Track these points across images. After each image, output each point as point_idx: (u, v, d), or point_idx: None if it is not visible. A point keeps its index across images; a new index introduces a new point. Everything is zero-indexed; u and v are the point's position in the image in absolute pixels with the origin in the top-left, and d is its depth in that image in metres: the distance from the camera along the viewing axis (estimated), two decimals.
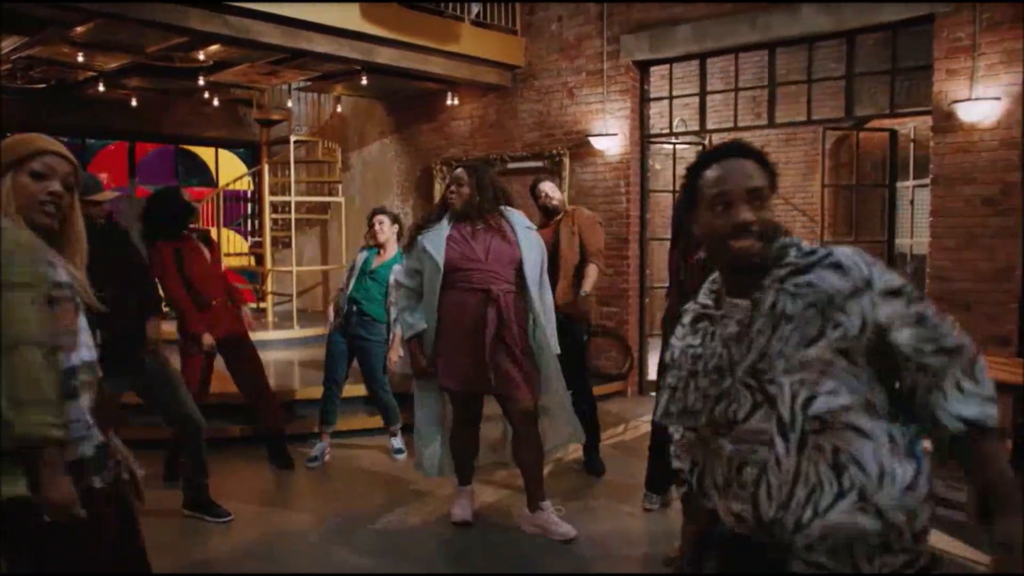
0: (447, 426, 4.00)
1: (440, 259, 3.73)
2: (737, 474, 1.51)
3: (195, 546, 3.78)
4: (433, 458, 4.01)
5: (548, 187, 4.95)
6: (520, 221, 3.90)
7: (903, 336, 1.43)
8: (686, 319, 1.67)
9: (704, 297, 1.64)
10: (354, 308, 5.01)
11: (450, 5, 7.43)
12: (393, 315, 4.64)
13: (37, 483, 1.68)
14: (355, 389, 5.58)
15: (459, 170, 3.89)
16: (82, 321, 1.90)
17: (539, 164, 7.70)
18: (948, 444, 1.43)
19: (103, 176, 11.11)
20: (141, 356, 3.89)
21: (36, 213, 1.83)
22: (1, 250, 1.69)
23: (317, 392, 5.26)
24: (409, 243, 3.94)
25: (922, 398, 1.44)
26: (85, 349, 1.89)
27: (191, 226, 4.68)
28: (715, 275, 1.64)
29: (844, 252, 1.49)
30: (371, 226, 5.11)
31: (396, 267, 4.08)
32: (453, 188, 3.82)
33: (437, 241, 3.77)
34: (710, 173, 1.53)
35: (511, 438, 3.97)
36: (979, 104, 5.34)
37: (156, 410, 4.06)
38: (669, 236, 3.93)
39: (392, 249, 5.09)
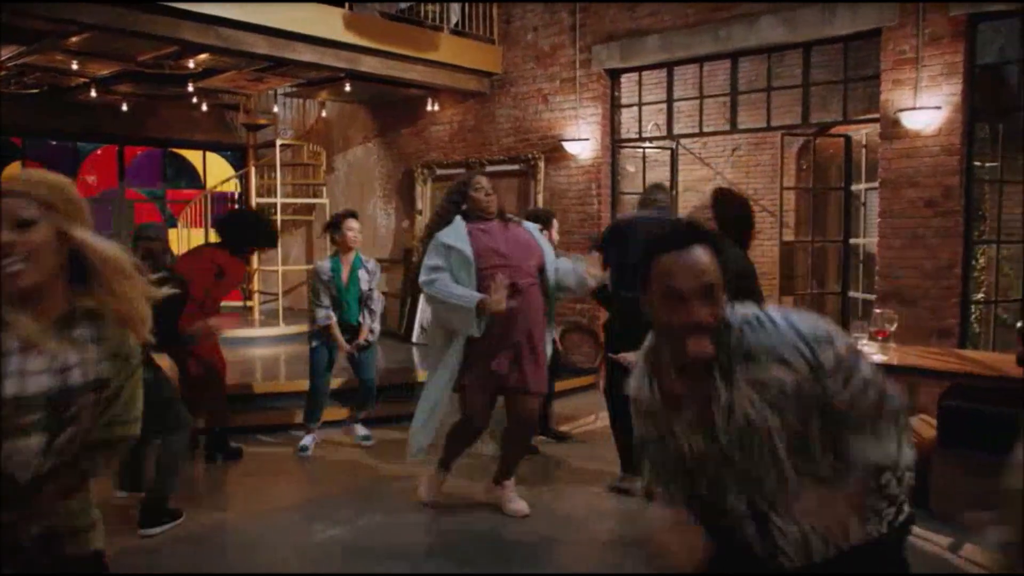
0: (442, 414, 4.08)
1: (468, 250, 3.74)
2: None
3: (189, 524, 4.02)
4: (422, 443, 4.08)
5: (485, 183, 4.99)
6: (529, 224, 4.15)
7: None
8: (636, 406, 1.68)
9: (642, 381, 1.64)
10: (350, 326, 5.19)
11: (430, 15, 7.75)
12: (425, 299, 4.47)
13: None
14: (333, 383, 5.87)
15: (482, 177, 3.99)
16: None
17: (516, 167, 8.07)
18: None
19: (92, 179, 11.37)
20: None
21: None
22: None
23: (302, 385, 5.50)
24: (425, 240, 3.98)
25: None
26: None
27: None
28: (650, 343, 1.64)
29: (786, 342, 1.49)
30: (342, 232, 5.10)
31: (425, 263, 3.93)
32: (488, 192, 3.91)
33: (458, 236, 3.79)
34: (665, 261, 1.49)
35: (504, 427, 4.10)
36: (922, 113, 5.72)
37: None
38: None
39: (352, 252, 5.15)
